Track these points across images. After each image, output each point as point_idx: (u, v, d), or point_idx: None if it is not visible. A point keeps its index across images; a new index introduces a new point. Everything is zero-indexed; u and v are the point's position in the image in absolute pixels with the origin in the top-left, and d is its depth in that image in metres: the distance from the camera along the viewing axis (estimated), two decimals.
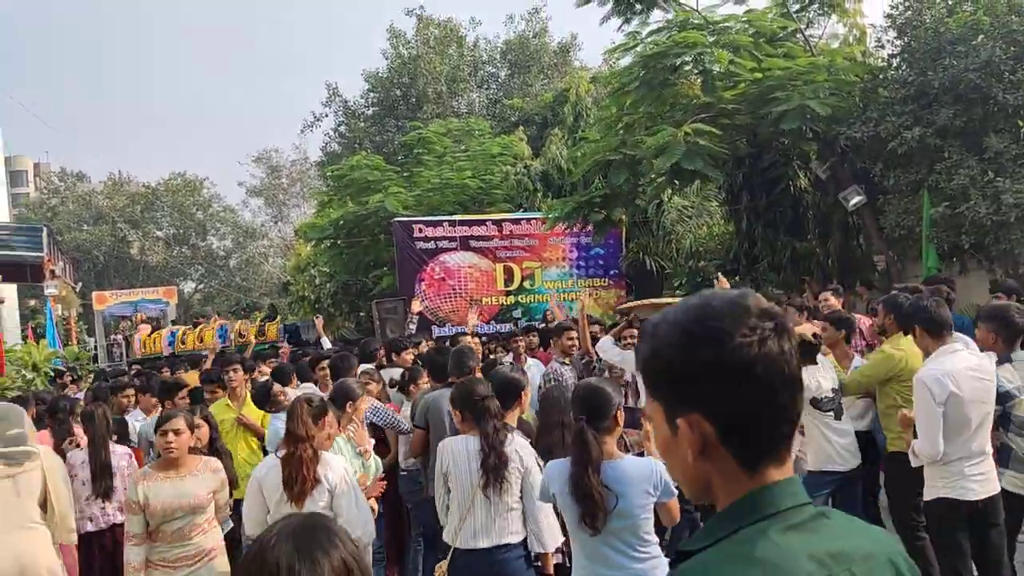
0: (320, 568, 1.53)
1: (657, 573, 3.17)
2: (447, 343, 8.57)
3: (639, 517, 3.15)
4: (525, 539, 3.85)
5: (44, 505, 4.25)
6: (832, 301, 7.05)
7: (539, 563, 3.90)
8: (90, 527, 5.26)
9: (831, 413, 5.06)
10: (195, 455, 4.51)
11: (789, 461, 1.21)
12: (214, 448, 5.10)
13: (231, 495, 4.80)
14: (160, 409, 6.45)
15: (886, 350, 4.96)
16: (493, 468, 3.76)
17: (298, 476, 3.84)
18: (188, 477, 4.33)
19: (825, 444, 5.03)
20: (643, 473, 3.20)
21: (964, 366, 4.00)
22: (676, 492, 3.28)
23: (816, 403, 5.02)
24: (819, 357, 5.21)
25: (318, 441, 4.04)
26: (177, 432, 4.33)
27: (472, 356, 5.61)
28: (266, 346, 15.18)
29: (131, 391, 7.31)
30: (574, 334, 6.67)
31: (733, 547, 1.14)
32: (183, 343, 19.45)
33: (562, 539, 3.86)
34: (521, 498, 3.84)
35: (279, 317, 21.32)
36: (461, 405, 4.02)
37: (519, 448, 3.88)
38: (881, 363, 4.90)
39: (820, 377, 5.14)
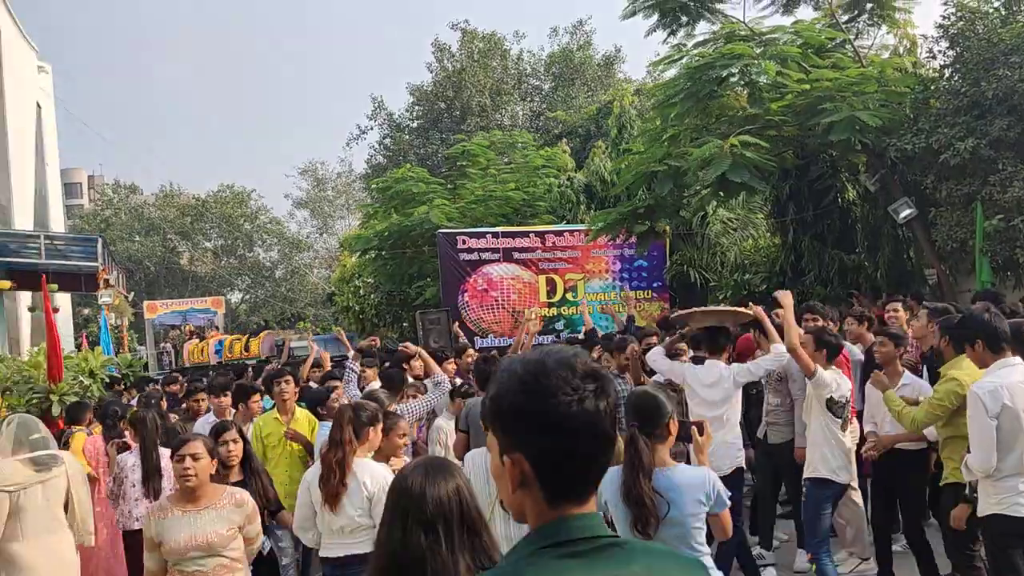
0: (439, 489, 2.15)
1: None
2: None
3: (690, 526, 3.16)
4: None
5: (65, 508, 4.47)
6: (901, 313, 6.94)
7: None
8: (137, 525, 5.40)
9: (840, 421, 5.02)
10: (219, 485, 4.07)
11: (591, 500, 1.40)
12: (251, 467, 4.86)
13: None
14: (234, 412, 6.46)
15: (955, 375, 4.60)
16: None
17: (329, 478, 3.92)
18: (207, 511, 3.86)
19: (828, 452, 5.02)
20: (696, 482, 3.21)
21: (1019, 379, 3.94)
22: (728, 504, 3.28)
23: (831, 404, 4.99)
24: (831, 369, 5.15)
25: (372, 447, 4.10)
26: (195, 457, 3.86)
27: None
28: (253, 361, 15.45)
29: (203, 395, 7.19)
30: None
31: (510, 567, 1.36)
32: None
33: None
34: None
35: (263, 333, 21.71)
36: (483, 417, 4.05)
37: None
38: (952, 391, 4.54)
39: (840, 380, 5.09)
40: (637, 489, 3.12)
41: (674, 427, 3.33)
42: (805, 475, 5.19)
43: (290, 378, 6.32)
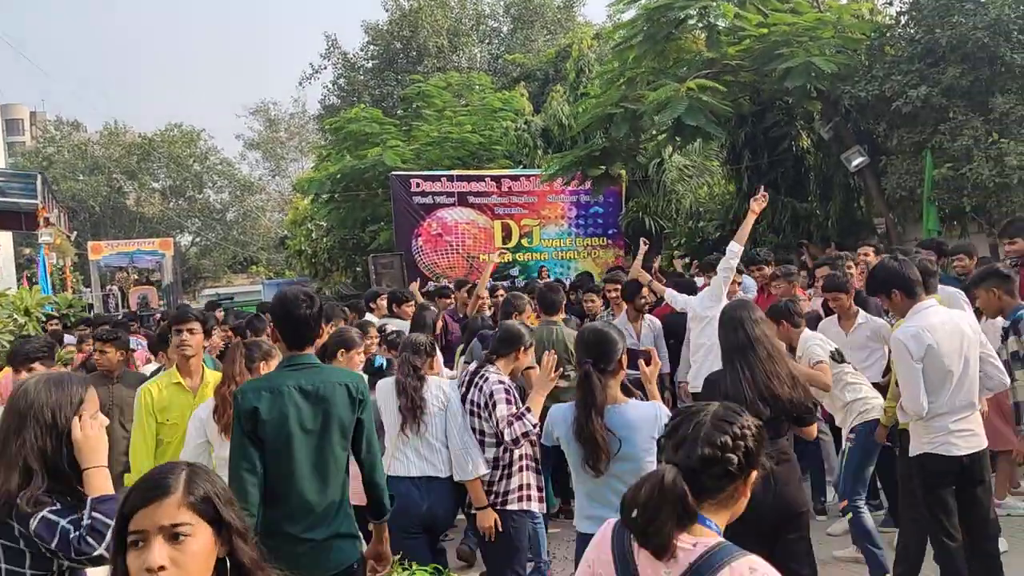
0: None
1: None
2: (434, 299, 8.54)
3: (643, 460, 3.17)
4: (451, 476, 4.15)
5: None
6: (872, 257, 6.98)
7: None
8: None
9: (849, 363, 5.05)
10: None
11: (306, 349, 3.25)
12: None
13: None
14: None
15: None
16: (407, 410, 4.13)
17: (223, 411, 3.90)
18: None
19: (869, 392, 5.02)
20: (648, 418, 3.21)
21: (939, 320, 3.99)
22: None
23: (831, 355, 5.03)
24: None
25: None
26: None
27: (430, 313, 6.26)
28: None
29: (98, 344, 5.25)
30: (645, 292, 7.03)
31: (264, 376, 3.55)
32: None
33: (485, 471, 4.07)
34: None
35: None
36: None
37: (442, 387, 4.23)
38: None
39: (820, 336, 5.15)
40: (589, 427, 3.11)
41: (624, 361, 3.33)
42: (852, 424, 4.99)
43: (196, 324, 4.53)
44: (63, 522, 2.19)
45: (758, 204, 5.97)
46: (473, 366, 4.39)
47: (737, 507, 1.83)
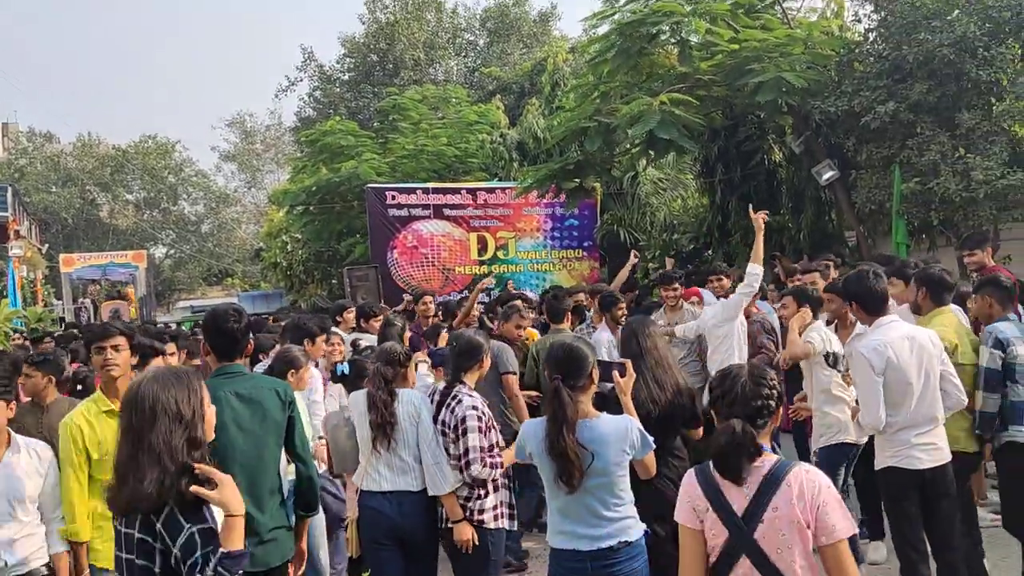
0: None
1: (631, 531, 3.22)
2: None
3: (615, 475, 3.17)
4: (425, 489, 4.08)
5: None
6: (832, 270, 7.11)
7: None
8: None
9: (840, 373, 5.03)
10: None
11: (234, 359, 3.61)
12: None
13: None
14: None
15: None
16: (377, 426, 4.04)
17: None
18: None
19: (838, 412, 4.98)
20: (619, 432, 3.21)
21: (899, 335, 4.03)
22: (653, 446, 3.30)
23: (826, 357, 5.02)
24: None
25: None
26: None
27: (395, 329, 6.31)
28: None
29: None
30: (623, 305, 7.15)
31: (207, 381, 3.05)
32: None
33: (458, 484, 4.00)
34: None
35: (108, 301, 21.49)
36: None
37: (412, 401, 4.12)
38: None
39: (827, 334, 5.17)
40: (561, 443, 3.11)
41: (595, 375, 3.32)
42: (819, 445, 5.01)
43: (122, 340, 3.94)
44: (199, 552, 2.20)
45: (762, 219, 6.08)
46: (443, 385, 4.33)
47: (770, 430, 2.52)
